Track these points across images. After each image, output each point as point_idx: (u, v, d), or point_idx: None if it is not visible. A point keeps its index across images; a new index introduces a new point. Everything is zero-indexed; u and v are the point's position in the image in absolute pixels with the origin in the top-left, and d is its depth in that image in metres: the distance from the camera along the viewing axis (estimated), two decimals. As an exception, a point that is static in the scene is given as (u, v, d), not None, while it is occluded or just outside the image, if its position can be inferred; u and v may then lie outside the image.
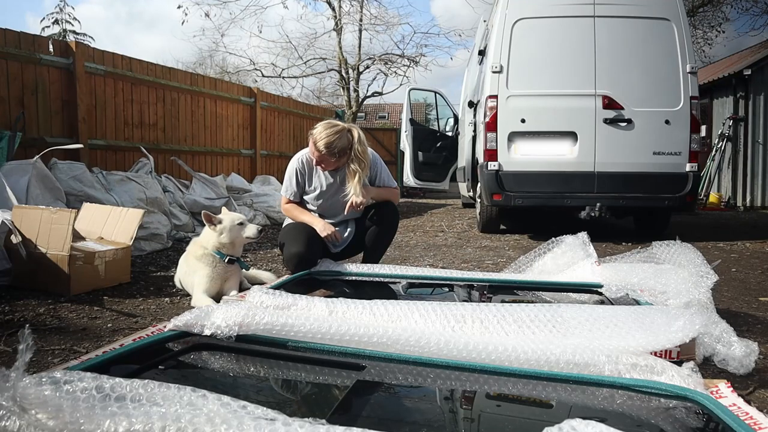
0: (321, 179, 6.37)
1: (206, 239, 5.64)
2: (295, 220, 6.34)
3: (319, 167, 6.32)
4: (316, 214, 6.49)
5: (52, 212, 6.10)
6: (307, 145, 6.31)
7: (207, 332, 3.71)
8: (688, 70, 10.37)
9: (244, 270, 5.92)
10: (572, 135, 10.49)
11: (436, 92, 21.30)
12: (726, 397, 2.91)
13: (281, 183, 7.76)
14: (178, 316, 3.86)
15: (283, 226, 6.39)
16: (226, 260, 5.57)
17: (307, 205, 6.46)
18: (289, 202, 6.39)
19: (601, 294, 5.34)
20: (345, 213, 6.33)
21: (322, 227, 6.09)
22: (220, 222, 5.57)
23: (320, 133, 6.01)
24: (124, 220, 6.83)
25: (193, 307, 4.84)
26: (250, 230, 5.58)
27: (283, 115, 17.83)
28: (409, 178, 18.84)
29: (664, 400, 3.01)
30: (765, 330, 4.94)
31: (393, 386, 3.31)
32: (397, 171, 27.39)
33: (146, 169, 10.32)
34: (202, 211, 5.79)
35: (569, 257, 6.09)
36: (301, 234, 6.12)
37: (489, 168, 10.62)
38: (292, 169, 6.35)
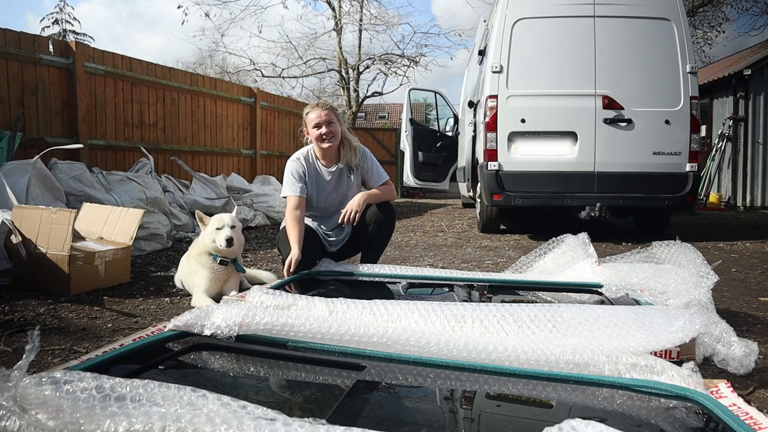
0: (316, 179, 6.38)
1: (202, 240, 5.65)
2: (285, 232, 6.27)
3: (317, 165, 6.37)
4: (311, 221, 6.54)
5: (52, 212, 6.10)
6: (306, 144, 6.41)
7: (207, 332, 3.71)
8: (688, 70, 10.38)
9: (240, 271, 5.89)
10: (572, 135, 10.49)
11: (436, 92, 21.29)
12: (726, 397, 2.91)
13: (281, 183, 7.73)
14: (178, 316, 3.86)
15: (281, 227, 6.38)
16: (218, 261, 5.57)
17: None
18: (297, 202, 6.19)
19: (601, 294, 5.33)
20: (343, 225, 6.38)
21: (289, 259, 5.89)
22: (209, 223, 5.60)
23: (312, 106, 6.27)
24: (124, 220, 6.83)
25: (193, 307, 4.84)
26: (219, 239, 5.47)
27: (283, 115, 17.86)
28: (409, 178, 18.84)
29: (664, 400, 3.01)
30: (765, 330, 4.94)
31: (393, 386, 3.31)
32: (397, 171, 27.41)
33: (146, 169, 10.33)
34: (196, 212, 5.79)
35: (569, 257, 6.09)
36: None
37: (489, 168, 10.62)
38: (291, 168, 6.33)
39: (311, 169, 6.37)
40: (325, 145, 6.21)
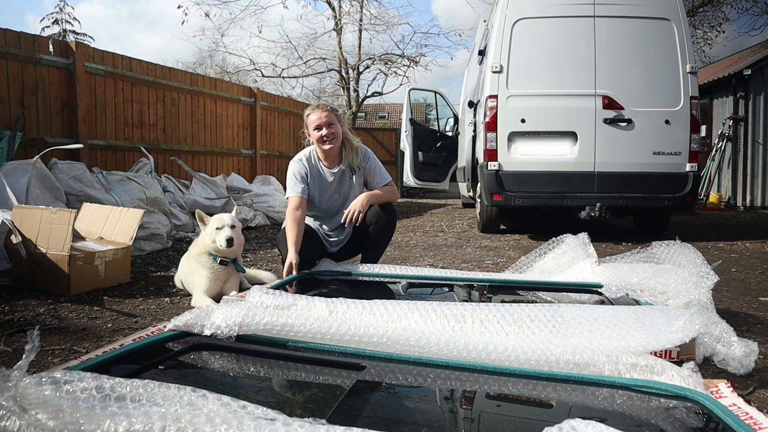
0: (318, 181, 6.39)
1: (202, 240, 5.65)
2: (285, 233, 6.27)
3: (319, 166, 6.37)
4: (313, 221, 6.56)
5: (52, 212, 6.10)
6: (307, 145, 6.42)
7: (207, 332, 3.72)
8: (688, 70, 10.38)
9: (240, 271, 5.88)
10: (572, 135, 10.49)
11: (436, 92, 21.30)
12: (726, 397, 2.91)
13: (281, 183, 7.70)
14: (178, 316, 3.87)
15: (282, 227, 6.38)
16: (218, 261, 5.57)
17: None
18: (298, 202, 6.20)
19: (601, 294, 5.34)
20: (345, 226, 6.38)
21: (288, 263, 5.92)
22: (209, 223, 5.61)
23: (313, 108, 6.29)
24: (124, 220, 6.83)
25: (193, 307, 4.85)
26: (220, 239, 5.47)
27: (283, 115, 17.85)
28: (409, 178, 18.86)
29: (664, 400, 3.01)
30: (765, 330, 4.94)
31: (393, 386, 3.31)
32: (397, 171, 27.43)
33: (146, 169, 10.33)
34: (196, 211, 5.79)
35: (569, 257, 6.10)
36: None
37: (489, 168, 10.62)
38: (293, 170, 6.35)
39: (313, 170, 6.39)
40: (326, 146, 6.21)
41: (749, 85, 20.34)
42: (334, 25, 27.92)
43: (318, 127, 6.16)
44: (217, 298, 5.33)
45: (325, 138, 6.17)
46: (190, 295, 5.79)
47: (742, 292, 6.53)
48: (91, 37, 56.96)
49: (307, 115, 6.24)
